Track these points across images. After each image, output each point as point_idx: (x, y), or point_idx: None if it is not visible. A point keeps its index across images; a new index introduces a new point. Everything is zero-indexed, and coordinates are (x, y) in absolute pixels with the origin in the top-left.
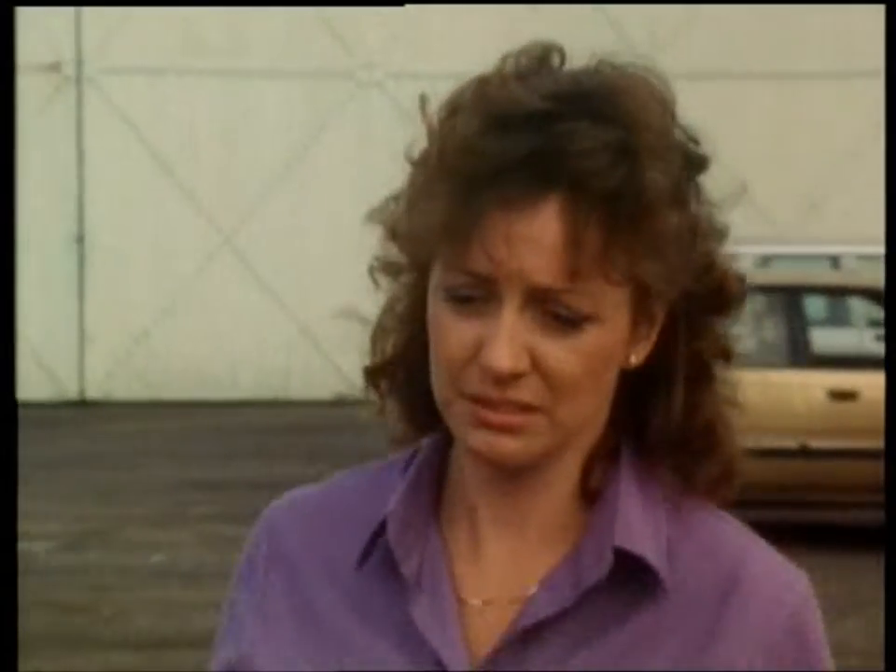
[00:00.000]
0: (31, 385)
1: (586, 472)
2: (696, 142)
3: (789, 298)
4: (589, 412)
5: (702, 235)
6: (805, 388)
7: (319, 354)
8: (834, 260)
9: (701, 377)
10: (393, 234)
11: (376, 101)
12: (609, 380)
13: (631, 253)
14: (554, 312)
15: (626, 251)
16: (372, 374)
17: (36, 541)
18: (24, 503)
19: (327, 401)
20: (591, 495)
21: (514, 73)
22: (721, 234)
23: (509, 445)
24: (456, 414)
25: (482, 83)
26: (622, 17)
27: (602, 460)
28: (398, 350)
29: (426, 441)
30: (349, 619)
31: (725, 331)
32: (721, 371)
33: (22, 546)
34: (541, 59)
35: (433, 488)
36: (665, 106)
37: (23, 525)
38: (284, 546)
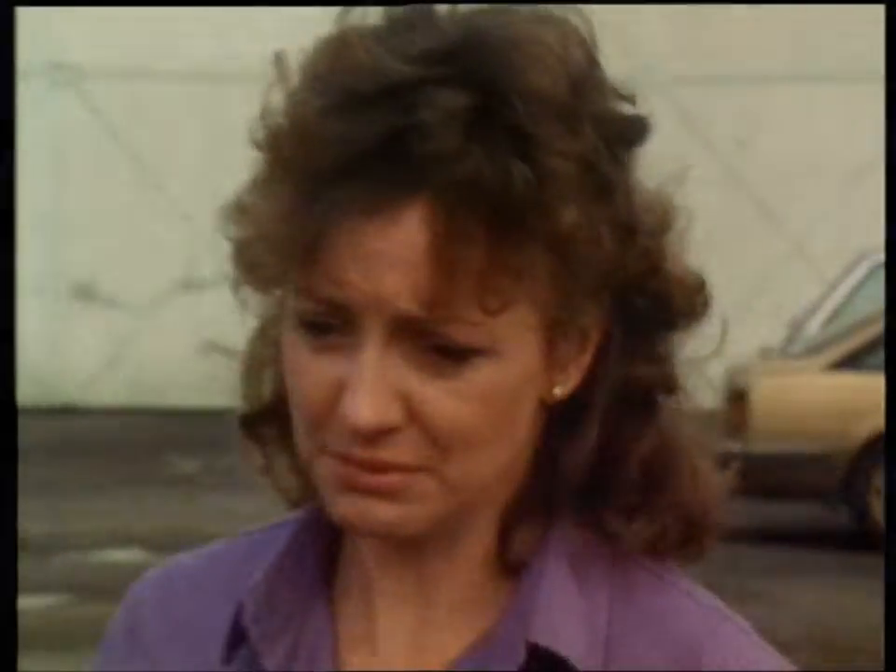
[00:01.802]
0: None
1: (504, 537)
2: (631, 102)
3: None
4: (494, 467)
5: (642, 229)
6: None
7: None
8: None
9: (637, 409)
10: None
11: (658, 106)
12: (522, 424)
13: (515, 271)
14: (432, 345)
15: (509, 267)
16: (250, 423)
17: None
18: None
19: None
20: (514, 563)
21: (381, 28)
22: (666, 225)
23: (385, 513)
24: (320, 476)
25: (333, 44)
26: None
27: (529, 519)
28: (279, 387)
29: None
30: None
31: (673, 355)
32: (673, 402)
33: None
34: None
35: (321, 554)
36: (574, 59)
37: None
38: (145, 635)
